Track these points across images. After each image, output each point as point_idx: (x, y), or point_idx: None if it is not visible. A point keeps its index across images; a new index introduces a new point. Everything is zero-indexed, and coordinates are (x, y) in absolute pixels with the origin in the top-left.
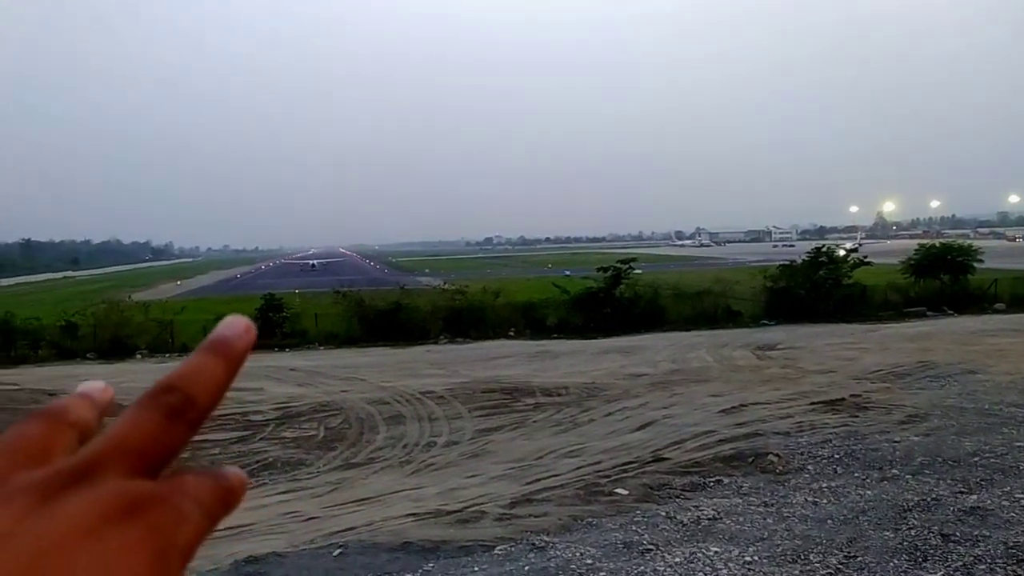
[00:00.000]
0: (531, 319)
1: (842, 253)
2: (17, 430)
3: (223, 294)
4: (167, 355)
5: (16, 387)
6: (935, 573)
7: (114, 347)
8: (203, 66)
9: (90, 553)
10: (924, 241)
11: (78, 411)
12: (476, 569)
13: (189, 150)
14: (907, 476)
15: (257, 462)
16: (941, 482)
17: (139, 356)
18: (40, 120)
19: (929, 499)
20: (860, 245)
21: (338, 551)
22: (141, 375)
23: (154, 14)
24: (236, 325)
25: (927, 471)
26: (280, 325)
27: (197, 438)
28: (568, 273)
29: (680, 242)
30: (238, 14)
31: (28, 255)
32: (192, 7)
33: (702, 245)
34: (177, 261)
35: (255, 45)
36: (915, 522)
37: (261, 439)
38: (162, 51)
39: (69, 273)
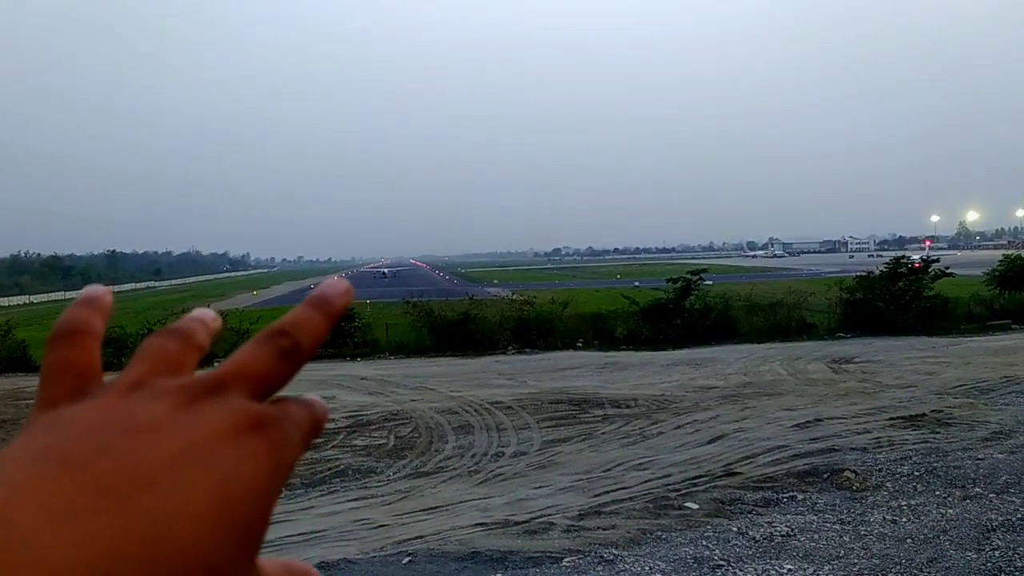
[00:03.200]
0: (599, 330)
1: (915, 258)
2: (156, 341)
3: (297, 304)
4: None
5: None
6: None
7: None
8: (282, 81)
9: (228, 452)
10: (1009, 251)
11: (201, 335)
12: None
13: (266, 164)
14: (991, 495)
15: (329, 469)
16: None
17: (216, 363)
18: (124, 134)
19: (1014, 519)
20: (928, 256)
21: (407, 559)
22: None
23: (253, 16)
24: (337, 286)
25: (1012, 490)
26: (352, 335)
27: None
28: (637, 284)
29: (752, 253)
30: (331, 25)
31: (112, 266)
32: (282, 15)
33: (775, 256)
34: (253, 272)
35: (338, 57)
36: (999, 543)
37: (333, 447)
38: (252, 65)
39: (151, 283)
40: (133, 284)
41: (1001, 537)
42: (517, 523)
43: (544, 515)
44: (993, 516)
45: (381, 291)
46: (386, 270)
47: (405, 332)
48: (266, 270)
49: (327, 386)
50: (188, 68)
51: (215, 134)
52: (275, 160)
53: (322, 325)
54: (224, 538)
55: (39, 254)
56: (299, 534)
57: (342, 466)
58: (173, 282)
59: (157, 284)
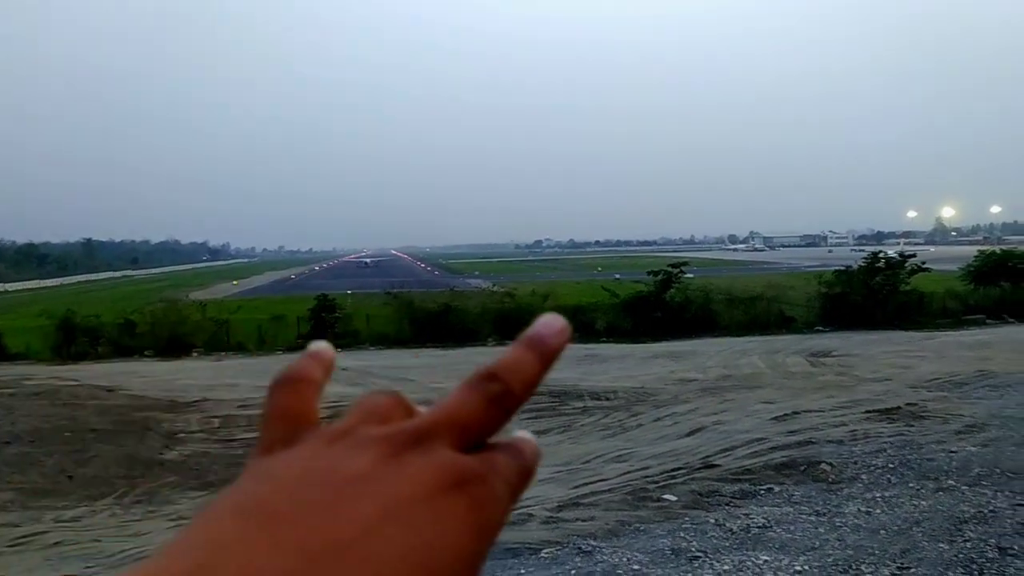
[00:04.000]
0: (580, 322)
1: (891, 253)
2: (367, 397)
3: (277, 294)
4: (223, 353)
5: (76, 383)
6: None
7: (171, 345)
8: (268, 69)
9: (429, 512)
10: (984, 247)
11: (392, 406)
12: (522, 571)
13: (246, 153)
14: (964, 487)
15: None
16: (999, 494)
17: (195, 354)
18: (100, 120)
19: (986, 511)
20: (904, 251)
21: None
22: (197, 372)
23: (233, 8)
24: (553, 325)
25: (984, 482)
26: (332, 325)
27: (250, 435)
28: (618, 277)
29: (733, 246)
30: (315, 15)
31: (89, 254)
32: (264, 4)
33: (755, 250)
34: (233, 262)
35: (320, 51)
36: (971, 534)
37: None
38: (235, 53)
39: (128, 272)
40: (110, 273)
41: (973, 529)
42: None
43: (523, 507)
44: (965, 508)
45: (362, 281)
46: (368, 260)
47: (386, 323)
48: (246, 260)
49: None
50: (170, 55)
51: (196, 123)
52: (256, 151)
53: (536, 368)
54: None
55: (14, 242)
56: None
57: None
58: (151, 271)
59: (135, 273)
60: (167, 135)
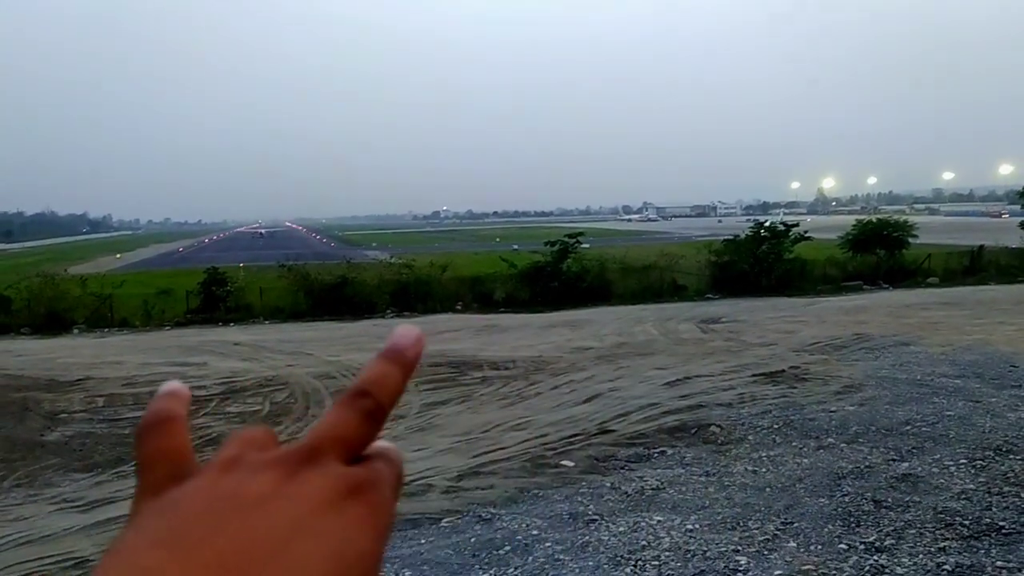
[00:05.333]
0: (478, 293)
1: (775, 222)
2: (242, 431)
3: (165, 268)
4: (106, 329)
5: None
6: (867, 537)
7: (50, 321)
8: (158, 32)
9: (336, 520)
10: (862, 217)
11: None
12: (423, 541)
13: (129, 120)
14: (842, 445)
15: (201, 438)
16: (875, 450)
17: (76, 331)
18: None
19: (863, 467)
20: (785, 221)
21: None
22: (78, 349)
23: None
24: (409, 336)
25: (861, 440)
26: (224, 299)
27: (137, 414)
28: (516, 247)
29: (627, 216)
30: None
31: None
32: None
33: (649, 220)
34: (116, 234)
35: (221, 19)
36: (849, 489)
37: (205, 414)
38: (126, 18)
39: (2, 245)
40: None
41: (850, 484)
42: None
43: (423, 477)
44: (844, 464)
45: (255, 254)
46: (263, 230)
47: (280, 296)
48: (130, 232)
49: (197, 352)
50: (42, 9)
51: (72, 83)
52: (142, 118)
53: (400, 379)
54: None
55: None
56: None
57: (215, 434)
58: (26, 244)
59: (8, 247)
60: (41, 96)
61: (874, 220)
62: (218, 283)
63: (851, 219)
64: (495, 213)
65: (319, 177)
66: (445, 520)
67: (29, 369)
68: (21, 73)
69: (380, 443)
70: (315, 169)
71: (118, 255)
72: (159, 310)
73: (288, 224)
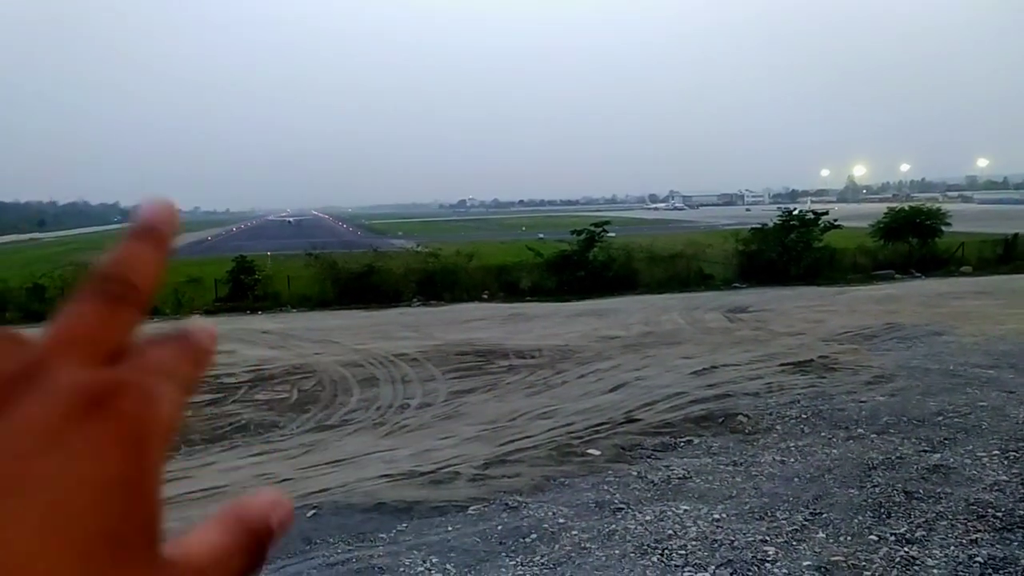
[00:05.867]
0: (505, 282)
1: (804, 210)
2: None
3: (193, 256)
4: None
5: None
6: (898, 529)
7: None
8: (184, 23)
9: (55, 460)
10: (893, 205)
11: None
12: (450, 529)
13: (160, 113)
14: (872, 435)
15: (230, 425)
16: (906, 441)
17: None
18: (5, 79)
19: (894, 457)
20: (813, 209)
21: (312, 512)
22: None
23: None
24: (159, 208)
25: (892, 430)
26: (252, 288)
27: None
28: (542, 236)
29: (654, 205)
30: None
31: None
32: None
33: (675, 208)
34: None
35: (248, 6)
36: (880, 480)
37: (234, 402)
38: (155, 7)
39: (35, 235)
40: (15, 235)
41: (881, 475)
42: (423, 474)
43: (449, 465)
44: (874, 455)
45: (282, 243)
46: (291, 219)
47: (308, 285)
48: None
49: (227, 340)
50: (89, 8)
51: (105, 79)
52: (171, 110)
53: (154, 257)
54: (78, 563)
55: None
56: (199, 490)
57: (243, 421)
58: (60, 233)
59: (42, 236)
60: (77, 92)
61: (906, 208)
62: (246, 271)
63: (882, 207)
64: (521, 202)
65: (346, 167)
66: (472, 508)
67: None
68: (55, 68)
69: (187, 326)
70: (342, 159)
71: None
72: (188, 298)
73: (315, 213)
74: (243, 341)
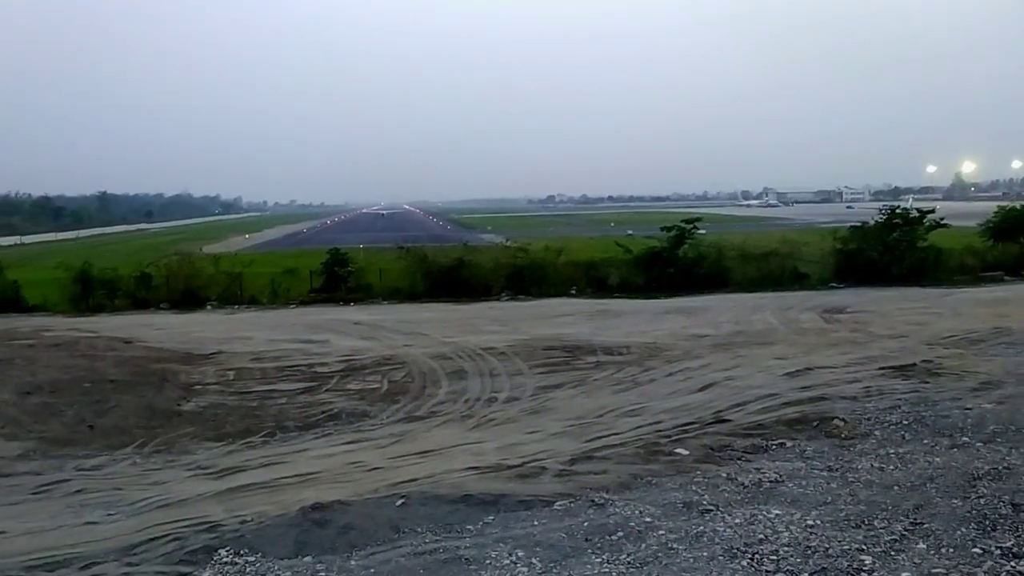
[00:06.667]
0: (593, 278)
1: (908, 208)
2: None
3: (289, 248)
4: (236, 306)
5: (94, 334)
6: (1004, 542)
7: (186, 298)
8: (272, 23)
9: None
10: (1004, 203)
11: None
12: (535, 523)
13: (259, 107)
14: (978, 444)
15: (323, 413)
16: (1013, 451)
17: (209, 307)
18: (112, 74)
19: (1000, 468)
20: (916, 206)
21: (400, 501)
22: (211, 324)
23: None
24: None
25: (999, 439)
26: (345, 279)
27: (264, 388)
28: (631, 232)
29: (746, 202)
30: None
31: (103, 207)
32: None
33: (769, 205)
34: (245, 215)
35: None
36: (985, 491)
37: (327, 390)
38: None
39: (143, 225)
40: (125, 226)
41: (987, 485)
42: (509, 467)
43: (536, 460)
44: (979, 464)
45: (374, 236)
46: (384, 211)
47: (399, 277)
48: (258, 213)
49: (321, 330)
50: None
51: (209, 76)
52: (269, 103)
53: None
54: None
55: (29, 195)
56: (294, 475)
57: (336, 409)
58: (165, 224)
59: (149, 226)
60: (180, 86)
61: (1017, 207)
62: (339, 263)
63: (992, 205)
64: (609, 197)
65: (437, 162)
66: (558, 503)
67: (167, 342)
68: (152, 66)
69: None
70: (433, 154)
71: (247, 235)
72: (284, 288)
73: (406, 207)
74: (336, 331)
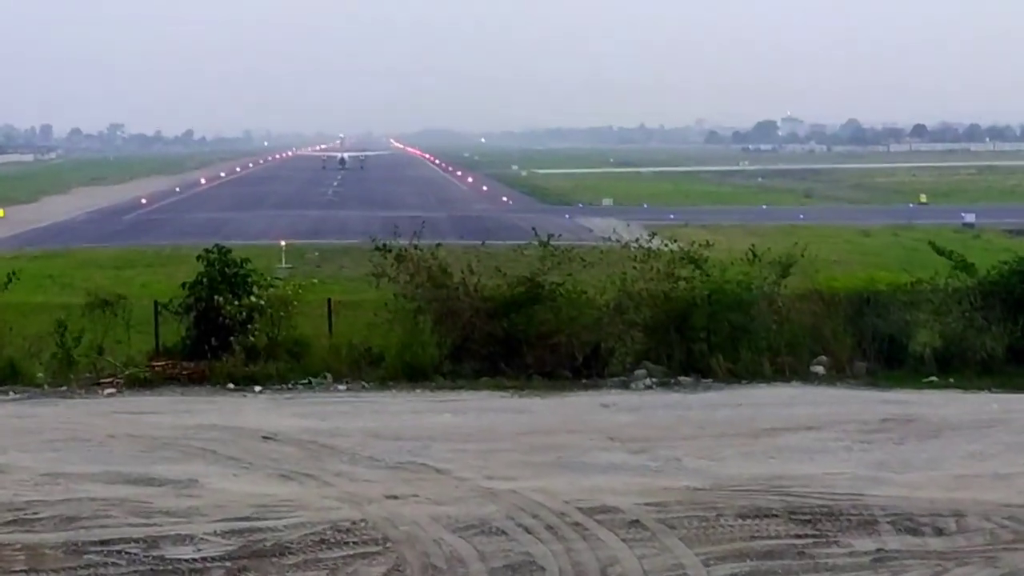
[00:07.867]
0: (869, 333)
1: None
2: None
3: (110, 245)
4: None
5: None
6: None
7: None
8: None
9: None
10: None
11: None
12: None
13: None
14: None
15: None
16: None
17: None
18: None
19: None
20: None
21: None
22: None
23: None
24: None
25: None
26: (239, 327)
27: None
28: (968, 219)
29: None
30: None
31: None
32: None
33: None
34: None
35: None
36: None
37: None
38: None
39: None
40: None
41: None
42: None
43: None
44: None
45: (322, 215)
46: (345, 155)
47: (378, 326)
48: (34, 156)
49: (177, 451)
50: None
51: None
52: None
53: None
54: None
55: None
56: None
57: None
58: None
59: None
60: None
61: None
62: (230, 285)
63: None
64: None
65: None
66: None
67: None
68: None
69: None
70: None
71: None
72: (93, 349)
73: (394, 144)
74: (216, 456)
